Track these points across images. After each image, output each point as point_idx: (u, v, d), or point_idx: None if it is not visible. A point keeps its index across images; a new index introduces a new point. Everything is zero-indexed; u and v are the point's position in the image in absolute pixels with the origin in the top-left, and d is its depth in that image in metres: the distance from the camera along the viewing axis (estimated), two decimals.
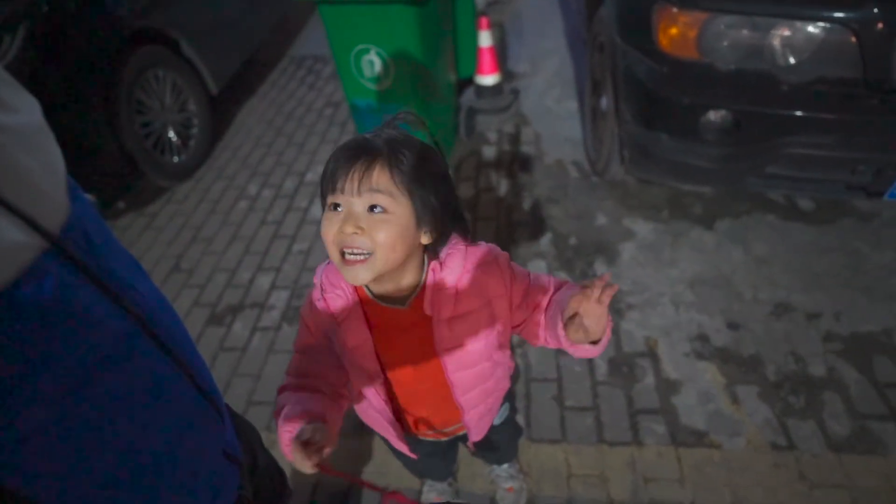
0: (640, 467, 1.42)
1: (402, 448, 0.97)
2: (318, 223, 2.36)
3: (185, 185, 2.74)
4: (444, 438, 1.01)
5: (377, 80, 2.24)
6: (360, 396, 0.87)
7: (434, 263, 0.76)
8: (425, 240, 0.72)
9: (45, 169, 0.42)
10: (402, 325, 0.78)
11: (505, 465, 1.38)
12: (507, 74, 3.13)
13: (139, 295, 0.50)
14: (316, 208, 2.46)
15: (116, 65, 2.29)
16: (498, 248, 0.81)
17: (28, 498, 0.40)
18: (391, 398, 0.87)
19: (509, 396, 1.07)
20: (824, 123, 1.45)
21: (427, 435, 0.98)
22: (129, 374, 0.48)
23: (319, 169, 2.68)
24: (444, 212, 0.72)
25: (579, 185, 2.35)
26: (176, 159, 2.70)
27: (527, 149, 2.60)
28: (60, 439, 0.42)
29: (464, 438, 1.03)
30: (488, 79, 2.75)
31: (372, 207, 0.66)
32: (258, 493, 0.77)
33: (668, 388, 1.59)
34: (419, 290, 0.76)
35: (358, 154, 0.66)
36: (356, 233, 0.65)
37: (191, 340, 0.60)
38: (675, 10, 1.53)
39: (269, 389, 1.74)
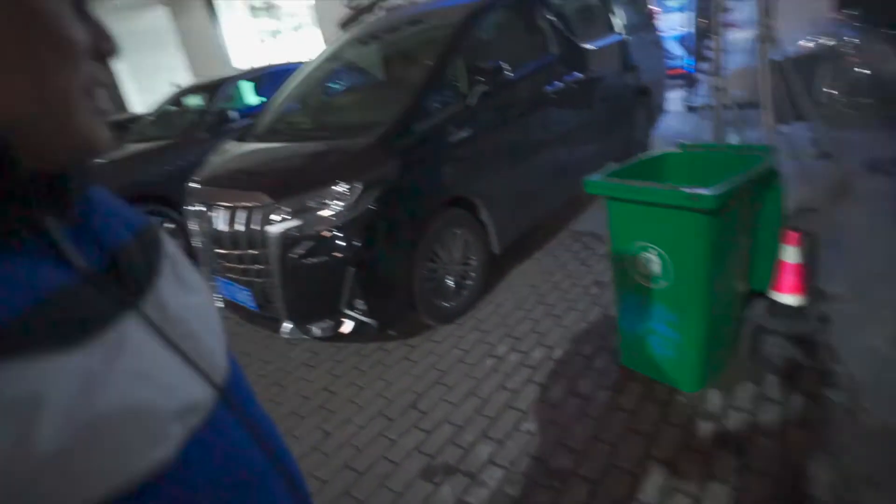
0: None
1: None
2: (556, 407, 2.24)
3: (447, 328, 3.01)
4: None
5: (653, 279, 2.14)
6: None
7: None
8: None
9: (215, 335, 0.51)
10: None
11: None
12: (815, 293, 2.63)
13: (268, 428, 0.54)
14: (554, 392, 2.36)
15: (427, 223, 2.79)
16: None
17: None
18: None
19: None
20: None
21: None
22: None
23: (569, 348, 2.63)
24: None
25: None
26: (446, 304, 3.03)
27: (834, 397, 2.04)
28: None
29: None
30: (788, 298, 2.36)
31: None
32: None
33: None
34: None
35: None
36: None
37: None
38: None
39: None
